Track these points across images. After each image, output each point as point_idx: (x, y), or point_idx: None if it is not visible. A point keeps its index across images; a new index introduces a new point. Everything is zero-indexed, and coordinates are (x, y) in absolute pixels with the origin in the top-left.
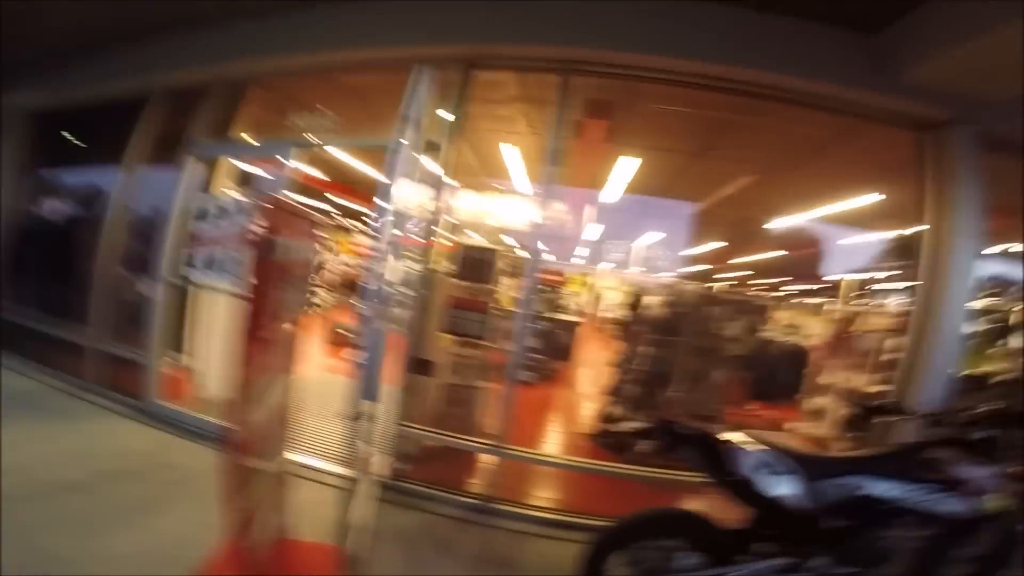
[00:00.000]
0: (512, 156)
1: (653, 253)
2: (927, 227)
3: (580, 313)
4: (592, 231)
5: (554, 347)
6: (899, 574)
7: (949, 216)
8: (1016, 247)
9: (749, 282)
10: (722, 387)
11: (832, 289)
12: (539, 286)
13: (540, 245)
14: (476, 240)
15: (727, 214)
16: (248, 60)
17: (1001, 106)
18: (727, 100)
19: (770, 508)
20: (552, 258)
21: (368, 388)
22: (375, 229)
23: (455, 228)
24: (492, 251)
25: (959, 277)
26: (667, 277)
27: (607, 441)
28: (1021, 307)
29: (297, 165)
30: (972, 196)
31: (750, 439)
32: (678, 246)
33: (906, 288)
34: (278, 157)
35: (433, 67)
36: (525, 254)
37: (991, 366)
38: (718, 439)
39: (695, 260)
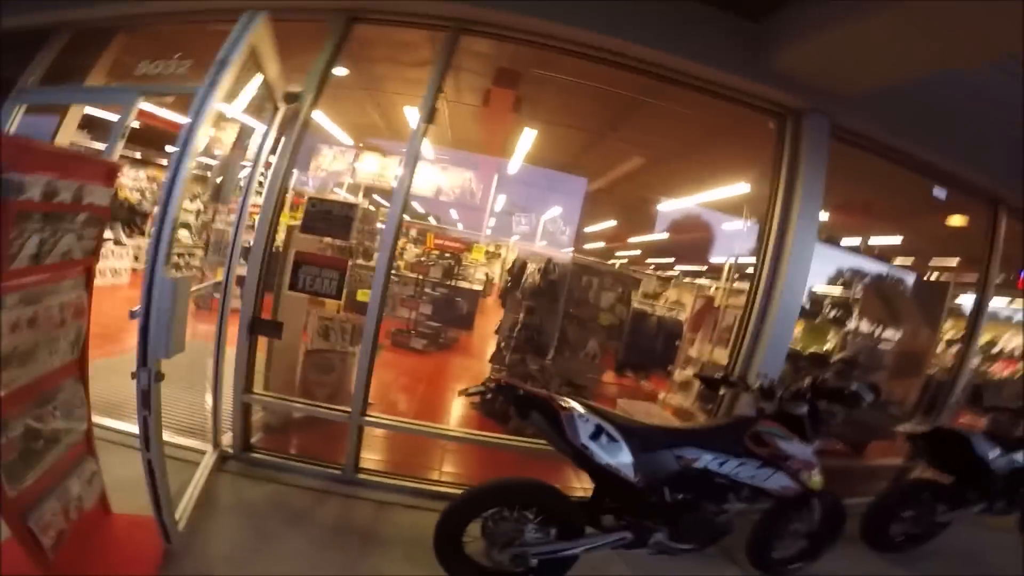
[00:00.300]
0: (413, 121)
1: (552, 226)
2: (774, 210)
3: (483, 282)
4: (495, 200)
5: (452, 315)
6: (734, 549)
7: (794, 201)
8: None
9: (635, 259)
10: (596, 356)
11: (707, 268)
12: (436, 254)
13: (419, 207)
14: (332, 195)
15: (620, 193)
16: (98, 5)
17: (855, 99)
18: (626, 78)
19: (606, 478)
20: (459, 226)
21: (157, 344)
22: (171, 172)
23: (325, 183)
24: (349, 206)
25: (799, 259)
26: (563, 249)
27: (488, 409)
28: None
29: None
30: (816, 183)
31: (585, 407)
32: (575, 221)
33: (755, 268)
34: (121, 103)
35: (306, 17)
36: (392, 212)
37: (830, 345)
38: (555, 405)
39: (589, 235)
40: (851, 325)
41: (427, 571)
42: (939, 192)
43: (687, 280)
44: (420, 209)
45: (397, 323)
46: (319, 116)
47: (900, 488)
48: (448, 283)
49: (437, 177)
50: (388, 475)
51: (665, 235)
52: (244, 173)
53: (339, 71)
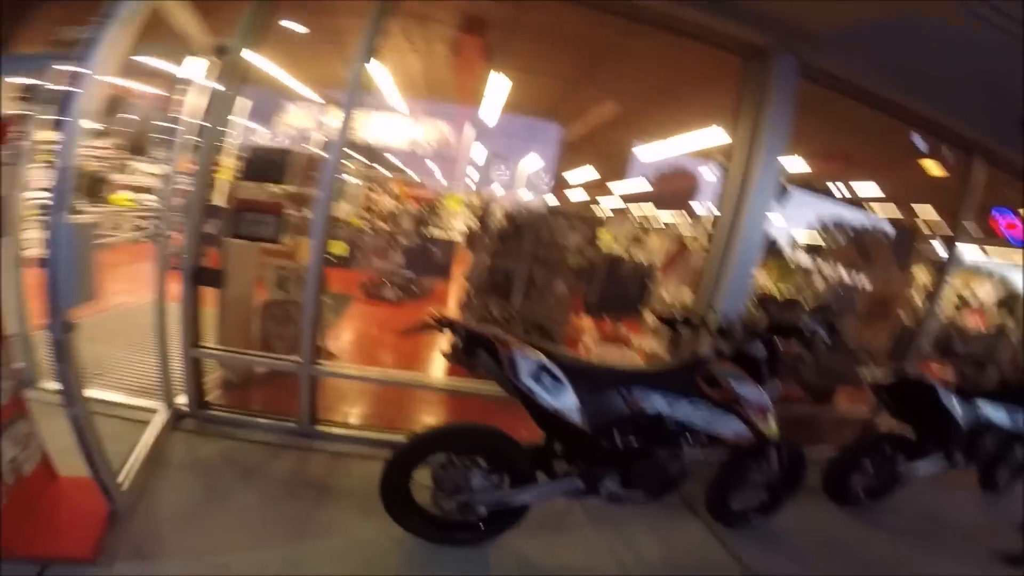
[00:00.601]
0: (380, 72)
1: (532, 174)
2: (738, 151)
3: (462, 232)
4: (473, 151)
5: (427, 265)
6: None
7: (758, 142)
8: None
9: (608, 203)
10: (564, 299)
11: (682, 213)
12: (407, 205)
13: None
14: (266, 140)
15: (596, 140)
16: None
17: (826, 39)
18: (596, 22)
19: (550, 421)
20: (438, 176)
21: (64, 292)
22: (62, 121)
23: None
24: (283, 152)
25: (761, 200)
26: (537, 196)
27: (455, 357)
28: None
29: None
30: (781, 124)
31: (531, 346)
32: (553, 169)
33: (718, 208)
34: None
35: None
36: (330, 157)
37: (794, 286)
38: (497, 343)
39: (569, 183)
40: (824, 270)
41: (380, 522)
42: (918, 140)
43: (663, 224)
44: (398, 162)
45: (372, 275)
46: (281, 74)
47: (862, 441)
48: (422, 233)
49: (411, 129)
50: (346, 426)
51: (642, 181)
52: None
53: (296, 26)
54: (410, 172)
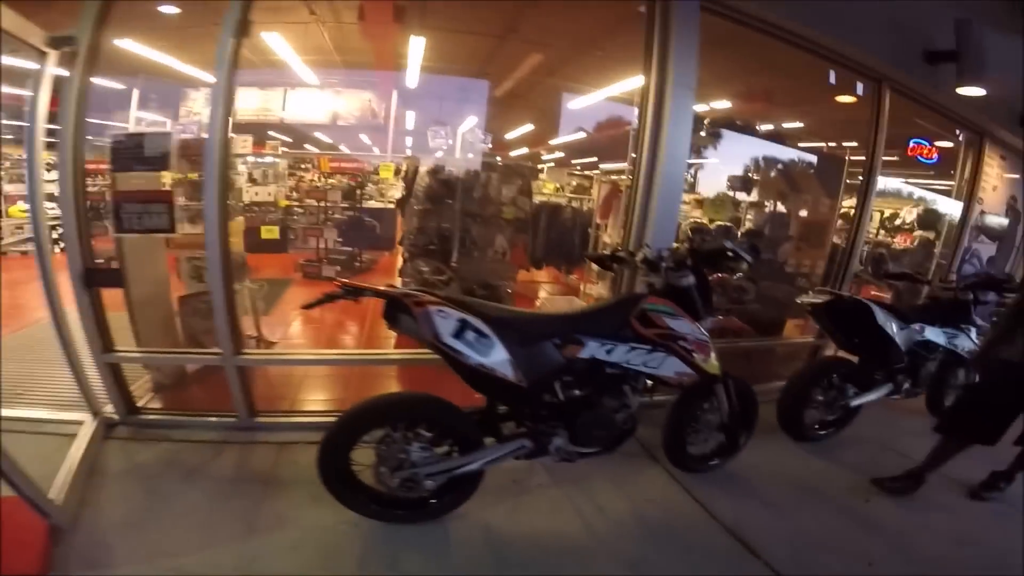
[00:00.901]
0: (284, 46)
1: (471, 136)
2: (650, 87)
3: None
4: (404, 118)
5: (366, 237)
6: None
7: (668, 75)
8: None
9: (547, 155)
10: (506, 253)
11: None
12: (329, 179)
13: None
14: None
15: (528, 95)
16: None
17: None
18: None
19: (482, 381)
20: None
21: None
22: None
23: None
24: (162, 136)
25: (678, 130)
26: (475, 155)
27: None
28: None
29: None
30: (688, 58)
31: (448, 301)
32: (488, 126)
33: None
34: None
35: None
36: (211, 138)
37: (729, 220)
38: (408, 303)
39: (510, 142)
40: (757, 202)
41: (333, 508)
42: (832, 76)
43: (602, 172)
44: (326, 138)
45: (309, 254)
46: (171, 60)
47: (809, 369)
48: (354, 205)
49: (331, 102)
50: (289, 414)
51: (578, 132)
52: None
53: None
54: (340, 146)
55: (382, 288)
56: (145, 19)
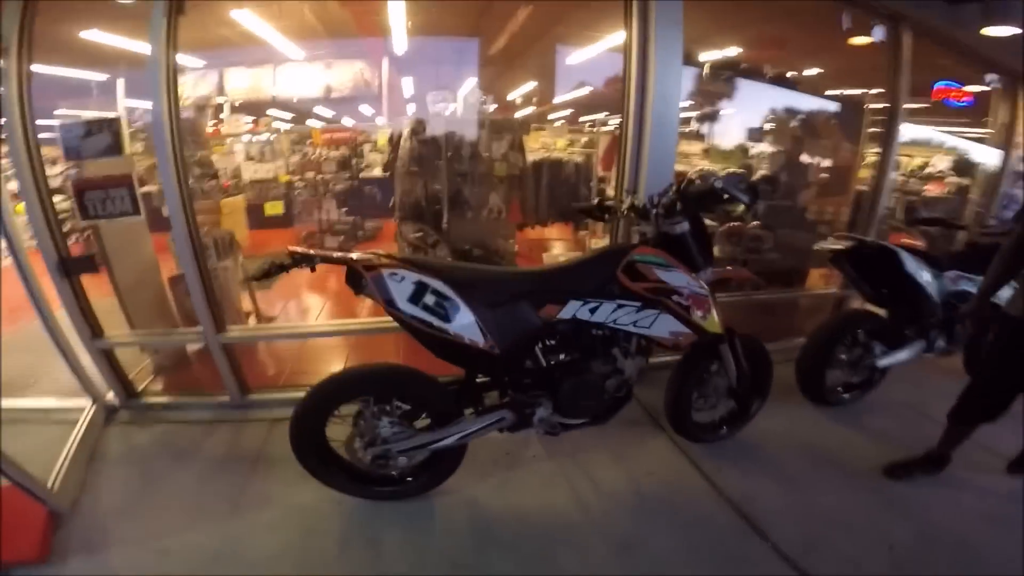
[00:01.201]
0: (260, 23)
1: (463, 96)
2: (632, 29)
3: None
4: (392, 84)
5: (368, 206)
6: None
7: (651, 10)
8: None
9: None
10: (501, 212)
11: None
12: (323, 150)
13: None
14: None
15: (525, 51)
16: None
17: None
18: None
19: (451, 348)
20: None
21: None
22: None
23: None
24: (108, 121)
25: (666, 68)
26: (474, 115)
27: None
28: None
29: None
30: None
31: (406, 263)
32: (487, 86)
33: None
34: None
35: None
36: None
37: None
38: (359, 268)
39: (502, 97)
40: (772, 150)
41: (315, 486)
42: (846, 20)
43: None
44: (327, 112)
45: (311, 227)
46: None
47: (831, 324)
48: (354, 175)
49: (322, 75)
50: (280, 389)
51: (581, 86)
52: None
53: None
54: (344, 119)
55: (334, 254)
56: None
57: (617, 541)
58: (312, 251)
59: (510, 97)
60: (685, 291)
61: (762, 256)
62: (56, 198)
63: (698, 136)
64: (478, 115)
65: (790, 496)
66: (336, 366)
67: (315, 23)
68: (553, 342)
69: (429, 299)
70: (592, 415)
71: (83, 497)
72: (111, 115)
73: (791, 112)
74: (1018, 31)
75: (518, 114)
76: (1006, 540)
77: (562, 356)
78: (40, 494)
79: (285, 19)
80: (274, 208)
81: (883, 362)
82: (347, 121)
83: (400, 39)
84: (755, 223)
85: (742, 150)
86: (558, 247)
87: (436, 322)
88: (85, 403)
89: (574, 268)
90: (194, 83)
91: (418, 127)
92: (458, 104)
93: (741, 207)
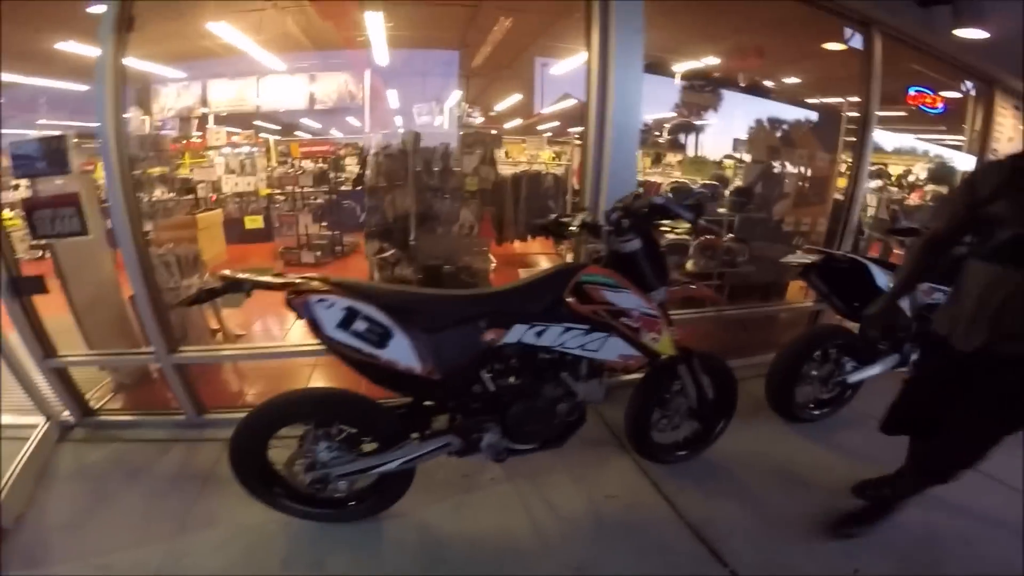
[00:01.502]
0: (232, 33)
1: (448, 107)
2: (592, 39)
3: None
4: (376, 96)
5: (347, 220)
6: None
7: (611, 17)
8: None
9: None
10: (473, 227)
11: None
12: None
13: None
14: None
15: (509, 62)
16: None
17: None
18: None
19: (386, 374)
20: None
21: None
22: None
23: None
24: (57, 139)
25: (626, 78)
26: (460, 127)
27: None
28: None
29: None
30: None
31: (337, 286)
32: (473, 97)
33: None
34: None
35: None
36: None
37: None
38: (293, 295)
39: (489, 109)
40: (746, 159)
41: (262, 507)
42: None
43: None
44: (315, 124)
45: (288, 242)
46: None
47: (801, 340)
48: (334, 189)
49: (305, 87)
50: (238, 409)
51: (566, 100)
52: None
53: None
54: (332, 130)
55: (263, 279)
56: None
57: (571, 566)
58: (243, 276)
59: (496, 108)
60: (635, 313)
61: (737, 269)
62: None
63: (678, 147)
64: (463, 127)
65: (754, 518)
66: (297, 385)
67: (298, 35)
68: (501, 366)
69: (360, 325)
70: (542, 440)
71: (29, 513)
72: (56, 132)
73: (766, 121)
74: (987, 35)
75: (507, 125)
76: (978, 562)
77: (511, 380)
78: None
79: (266, 32)
80: (254, 222)
81: (854, 377)
82: (336, 133)
83: (383, 51)
84: (729, 236)
85: (714, 161)
86: (544, 262)
87: (367, 348)
88: (40, 420)
89: (520, 290)
90: (176, 95)
91: (386, 143)
92: (444, 116)
93: (684, 223)
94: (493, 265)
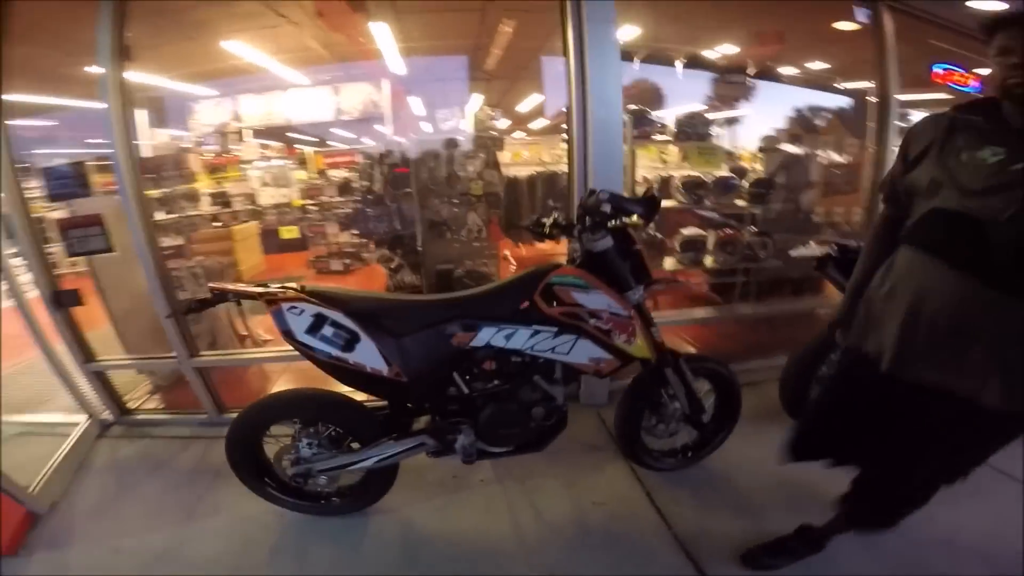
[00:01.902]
0: (248, 51)
1: (471, 111)
2: (567, 34)
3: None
4: (398, 105)
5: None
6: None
7: (583, 9)
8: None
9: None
10: (481, 230)
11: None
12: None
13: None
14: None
15: (521, 63)
16: None
17: None
18: None
19: (355, 377)
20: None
21: None
22: None
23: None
24: (76, 164)
25: (603, 72)
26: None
27: None
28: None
29: None
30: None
31: (303, 296)
32: (493, 101)
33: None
34: None
35: None
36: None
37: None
38: (268, 303)
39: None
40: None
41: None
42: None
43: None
44: (343, 133)
45: (319, 250)
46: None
47: (817, 339)
48: (364, 198)
49: (327, 99)
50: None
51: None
52: None
53: None
54: (363, 138)
55: (246, 289)
56: None
57: (544, 572)
58: (229, 287)
59: (518, 110)
60: (604, 314)
61: (761, 265)
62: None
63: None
64: (488, 131)
65: (749, 533)
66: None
67: (314, 49)
68: (475, 370)
69: (328, 330)
70: (517, 443)
71: (63, 501)
72: (76, 159)
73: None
74: (1005, 4)
75: (531, 125)
76: None
77: (486, 383)
78: (19, 496)
79: (285, 46)
80: (289, 232)
81: None
82: (368, 142)
83: (399, 60)
84: (752, 229)
85: (725, 150)
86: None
87: (334, 352)
88: (79, 418)
89: (489, 294)
90: (212, 110)
91: (387, 152)
92: (467, 120)
93: (636, 219)
94: (513, 268)
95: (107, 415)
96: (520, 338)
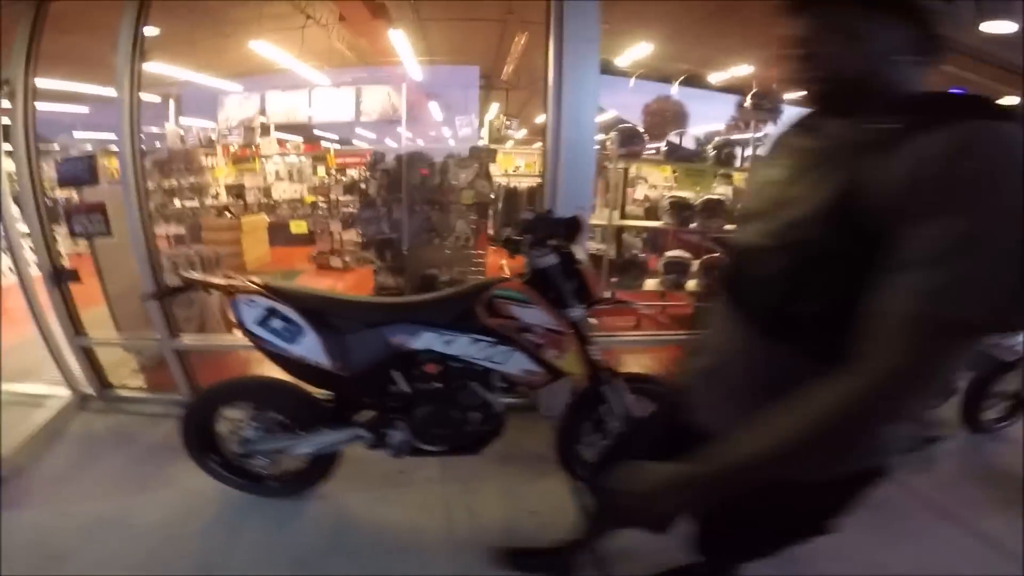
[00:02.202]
0: (274, 51)
1: (498, 122)
2: (548, 47)
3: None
4: (416, 108)
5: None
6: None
7: (565, 30)
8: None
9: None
10: (469, 239)
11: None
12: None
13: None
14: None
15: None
16: None
17: None
18: None
19: (299, 368)
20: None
21: None
22: None
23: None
24: (89, 157)
25: (579, 88)
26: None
27: None
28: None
29: None
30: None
31: (265, 290)
32: (507, 110)
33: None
34: None
35: None
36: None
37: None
38: (226, 294)
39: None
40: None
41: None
42: None
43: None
44: (363, 134)
45: (322, 247)
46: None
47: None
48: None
49: (347, 100)
50: None
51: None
52: None
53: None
54: (387, 140)
55: (212, 280)
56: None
57: (456, 570)
58: (198, 277)
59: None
60: (538, 329)
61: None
62: None
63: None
64: (503, 139)
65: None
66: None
67: (337, 51)
68: (417, 370)
69: (276, 323)
70: (451, 444)
71: (31, 467)
72: (88, 152)
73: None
74: (1016, 27)
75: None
76: None
77: (426, 384)
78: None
79: (311, 48)
80: (299, 227)
81: None
82: (390, 143)
83: (414, 64)
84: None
85: (713, 171)
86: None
87: (279, 343)
88: (61, 391)
89: (435, 300)
90: (238, 106)
91: (377, 158)
92: (484, 128)
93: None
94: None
95: (89, 390)
96: (459, 345)
